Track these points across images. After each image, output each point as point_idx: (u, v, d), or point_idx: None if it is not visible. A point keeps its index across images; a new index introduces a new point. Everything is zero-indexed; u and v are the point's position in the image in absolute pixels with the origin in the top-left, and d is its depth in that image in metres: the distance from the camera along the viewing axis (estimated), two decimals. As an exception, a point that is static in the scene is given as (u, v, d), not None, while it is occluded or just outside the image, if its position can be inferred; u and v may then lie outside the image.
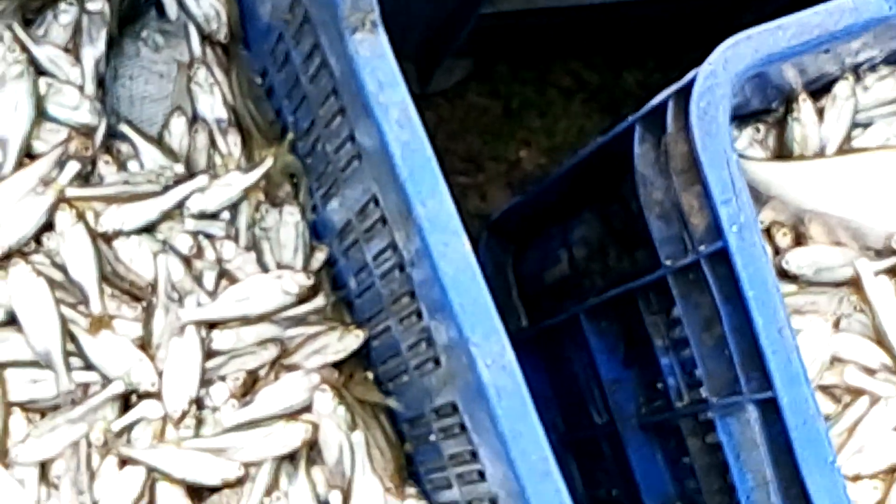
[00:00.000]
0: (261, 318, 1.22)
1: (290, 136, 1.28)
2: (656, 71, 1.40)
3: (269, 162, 1.26)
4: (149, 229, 1.23)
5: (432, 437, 1.21)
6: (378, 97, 0.98)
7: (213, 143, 1.30)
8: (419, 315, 1.11)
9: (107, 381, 1.16)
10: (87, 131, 1.23)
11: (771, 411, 1.09)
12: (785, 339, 1.05)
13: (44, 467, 1.14)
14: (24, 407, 1.15)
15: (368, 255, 1.18)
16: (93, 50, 1.25)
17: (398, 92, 0.99)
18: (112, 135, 1.27)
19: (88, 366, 1.17)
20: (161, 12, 1.31)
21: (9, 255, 1.16)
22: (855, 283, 1.30)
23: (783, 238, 1.28)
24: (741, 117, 1.22)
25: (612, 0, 1.69)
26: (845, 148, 1.32)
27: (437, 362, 1.12)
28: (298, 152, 1.29)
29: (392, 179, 1.01)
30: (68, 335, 1.15)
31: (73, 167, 1.20)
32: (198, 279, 1.23)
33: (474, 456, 1.11)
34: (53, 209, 1.17)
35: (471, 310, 0.98)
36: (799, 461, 1.05)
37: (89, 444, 1.15)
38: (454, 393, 1.10)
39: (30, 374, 1.16)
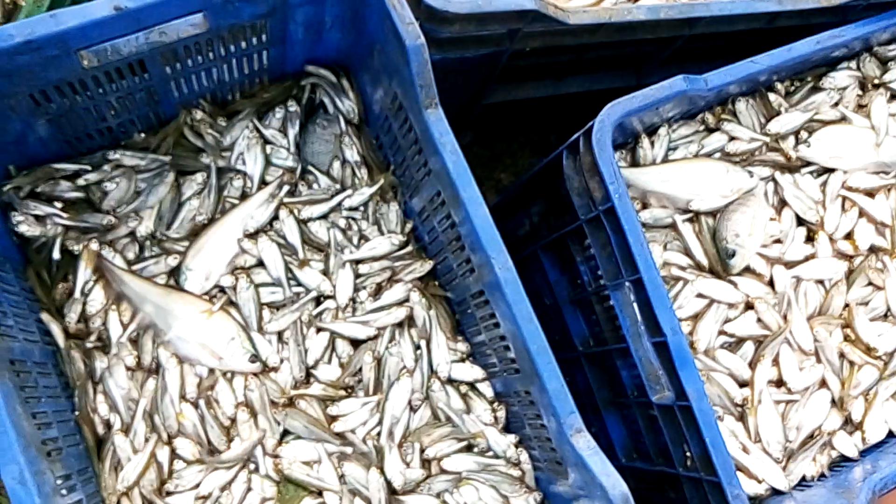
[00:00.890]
0: (382, 258, 1.57)
1: (392, 167, 1.61)
2: (563, 134, 1.56)
3: (381, 181, 1.60)
4: (325, 216, 1.58)
5: (469, 310, 1.53)
6: (440, 139, 1.32)
7: (353, 173, 1.63)
8: (462, 249, 1.43)
9: (307, 291, 1.53)
10: (291, 170, 1.58)
11: (639, 289, 1.42)
12: (644, 247, 1.38)
13: (280, 335, 1.51)
14: (269, 305, 1.52)
15: (435, 221, 1.50)
16: (293, 130, 1.60)
17: (450, 138, 1.33)
18: (304, 172, 1.61)
19: (299, 284, 1.53)
20: (325, 110, 1.63)
21: (257, 232, 1.53)
22: (673, 226, 1.63)
23: (636, 204, 1.61)
24: (614, 147, 1.43)
25: (546, 95, 1.94)
26: (666, 160, 1.64)
27: (472, 271, 1.44)
28: (396, 175, 1.61)
29: (449, 184, 1.34)
30: (288, 269, 1.52)
31: (285, 188, 1.56)
32: (349, 240, 1.58)
33: (493, 316, 1.43)
34: (277, 208, 1.54)
35: (489, 240, 1.31)
36: (656, 312, 1.36)
37: (302, 322, 1.52)
38: (482, 285, 1.42)
39: (270, 289, 1.53)
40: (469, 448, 1.53)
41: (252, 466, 1.45)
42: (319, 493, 1.45)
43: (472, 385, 1.58)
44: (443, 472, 1.50)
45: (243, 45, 1.44)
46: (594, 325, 1.70)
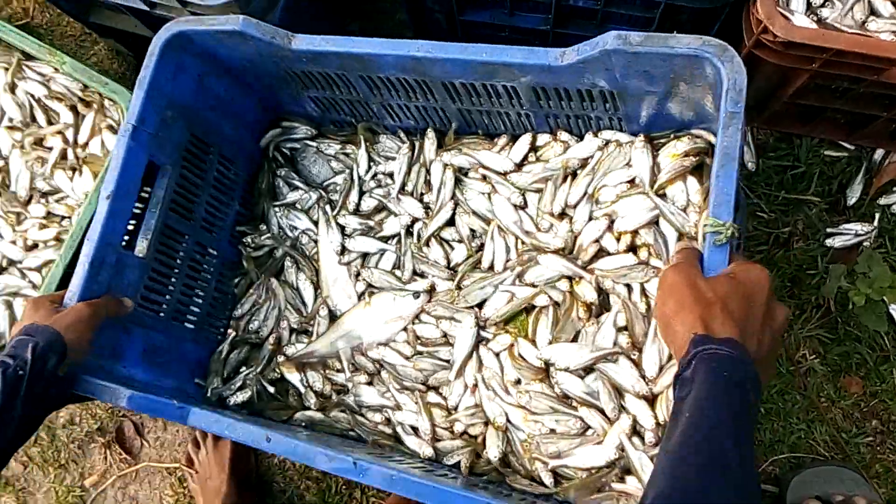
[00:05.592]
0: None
1: (358, 123, 1.82)
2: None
3: (360, 134, 1.79)
4: (361, 193, 1.78)
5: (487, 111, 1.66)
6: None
7: (345, 154, 1.89)
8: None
9: (400, 234, 1.72)
10: (320, 199, 1.82)
11: None
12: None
13: (414, 272, 1.68)
14: (394, 268, 1.71)
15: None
16: (294, 193, 1.85)
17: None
18: (326, 191, 1.83)
19: (388, 239, 1.74)
20: (285, 159, 1.92)
21: (343, 247, 1.77)
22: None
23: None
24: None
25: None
26: None
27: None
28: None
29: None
30: (377, 237, 1.74)
31: (328, 209, 1.79)
32: (386, 185, 1.77)
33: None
34: (337, 223, 1.77)
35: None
36: None
37: (414, 252, 1.68)
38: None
39: (384, 259, 1.73)
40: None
41: (483, 342, 1.59)
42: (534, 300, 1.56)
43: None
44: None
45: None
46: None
